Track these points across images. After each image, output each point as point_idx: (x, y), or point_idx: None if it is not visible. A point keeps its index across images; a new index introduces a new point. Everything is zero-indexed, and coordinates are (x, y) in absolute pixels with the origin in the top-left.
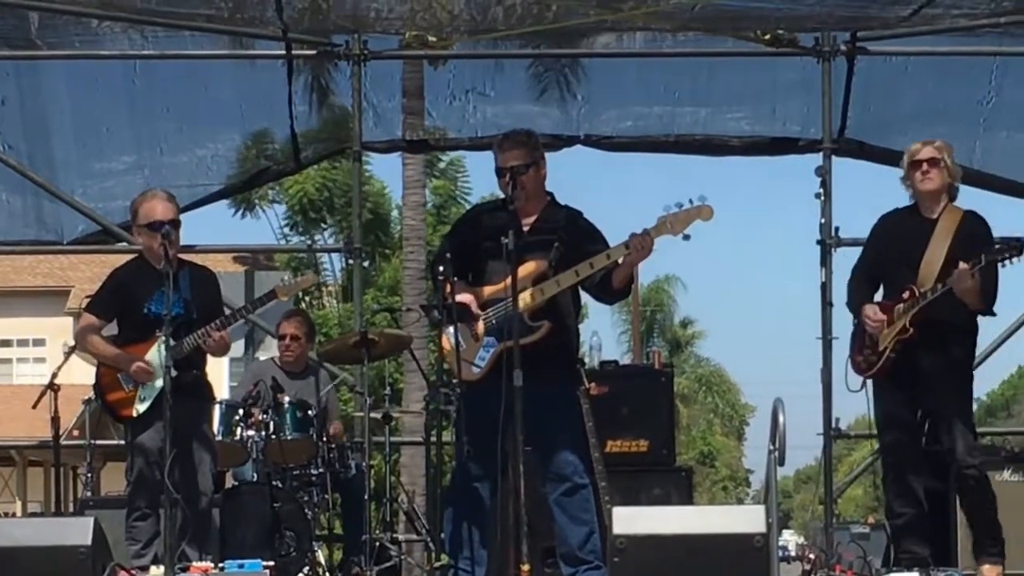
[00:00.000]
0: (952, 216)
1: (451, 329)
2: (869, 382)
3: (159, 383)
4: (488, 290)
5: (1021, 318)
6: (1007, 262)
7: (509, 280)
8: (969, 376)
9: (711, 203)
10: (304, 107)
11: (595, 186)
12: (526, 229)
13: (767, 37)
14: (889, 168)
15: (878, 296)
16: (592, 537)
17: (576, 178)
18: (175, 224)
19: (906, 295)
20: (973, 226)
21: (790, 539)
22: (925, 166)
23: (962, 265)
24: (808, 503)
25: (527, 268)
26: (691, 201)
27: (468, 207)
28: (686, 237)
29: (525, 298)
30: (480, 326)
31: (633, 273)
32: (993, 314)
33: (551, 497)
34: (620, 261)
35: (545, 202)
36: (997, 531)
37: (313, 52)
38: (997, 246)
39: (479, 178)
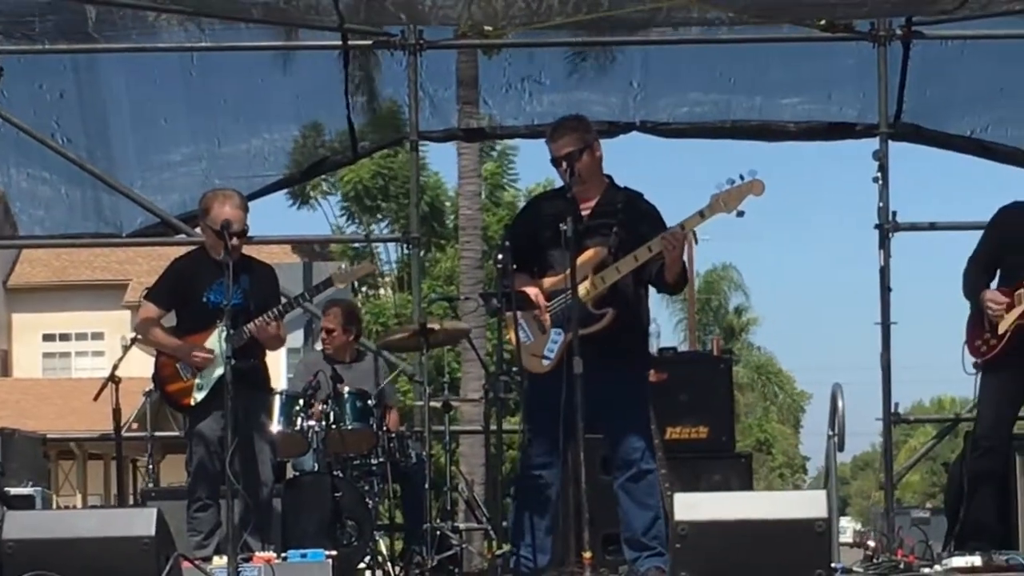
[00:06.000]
0: None
1: (517, 321)
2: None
3: (217, 372)
4: (548, 281)
5: None
6: None
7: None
8: None
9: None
10: (361, 97)
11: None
12: (585, 214)
13: (822, 23)
14: (945, 152)
15: (993, 284)
16: (657, 523)
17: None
18: (242, 233)
19: None
20: None
21: (847, 526)
22: None
23: None
24: (867, 489)
25: (587, 255)
26: (742, 177)
27: (516, 192)
28: (740, 214)
29: (586, 286)
30: (547, 318)
31: (685, 265)
32: None
33: (617, 483)
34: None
35: (604, 186)
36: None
37: (369, 42)
38: None
39: (532, 164)
